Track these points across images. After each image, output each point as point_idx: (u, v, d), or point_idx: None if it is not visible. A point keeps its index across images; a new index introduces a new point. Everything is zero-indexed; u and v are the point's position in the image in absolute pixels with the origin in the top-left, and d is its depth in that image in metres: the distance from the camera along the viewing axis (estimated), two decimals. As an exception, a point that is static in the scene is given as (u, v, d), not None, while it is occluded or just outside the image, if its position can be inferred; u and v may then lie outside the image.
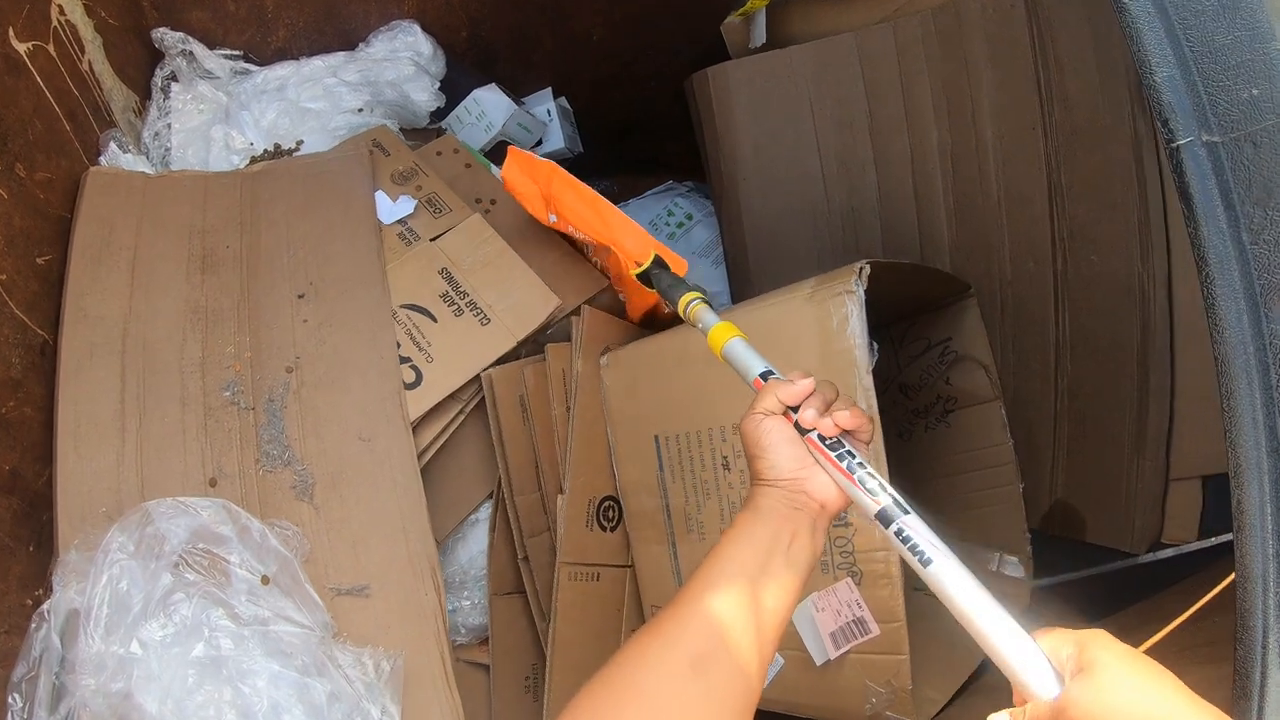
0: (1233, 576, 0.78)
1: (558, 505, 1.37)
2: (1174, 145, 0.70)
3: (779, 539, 0.74)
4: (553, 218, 1.42)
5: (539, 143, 1.88)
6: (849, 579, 1.14)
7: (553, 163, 1.41)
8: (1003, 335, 1.59)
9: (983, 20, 1.50)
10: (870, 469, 0.76)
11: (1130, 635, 1.08)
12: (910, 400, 1.62)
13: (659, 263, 1.15)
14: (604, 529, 1.41)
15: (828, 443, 0.78)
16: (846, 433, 0.78)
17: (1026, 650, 0.63)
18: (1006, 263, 1.57)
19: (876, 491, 0.74)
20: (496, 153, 1.83)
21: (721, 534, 0.75)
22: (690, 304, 0.95)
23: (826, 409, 0.79)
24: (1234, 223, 0.71)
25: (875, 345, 1.11)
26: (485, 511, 1.49)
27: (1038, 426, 1.57)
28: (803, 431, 0.79)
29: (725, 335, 0.89)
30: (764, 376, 0.84)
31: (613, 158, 2.11)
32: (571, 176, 1.39)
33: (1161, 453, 1.44)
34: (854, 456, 0.76)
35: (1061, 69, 1.44)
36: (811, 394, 0.79)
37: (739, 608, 0.69)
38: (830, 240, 1.68)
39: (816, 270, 1.15)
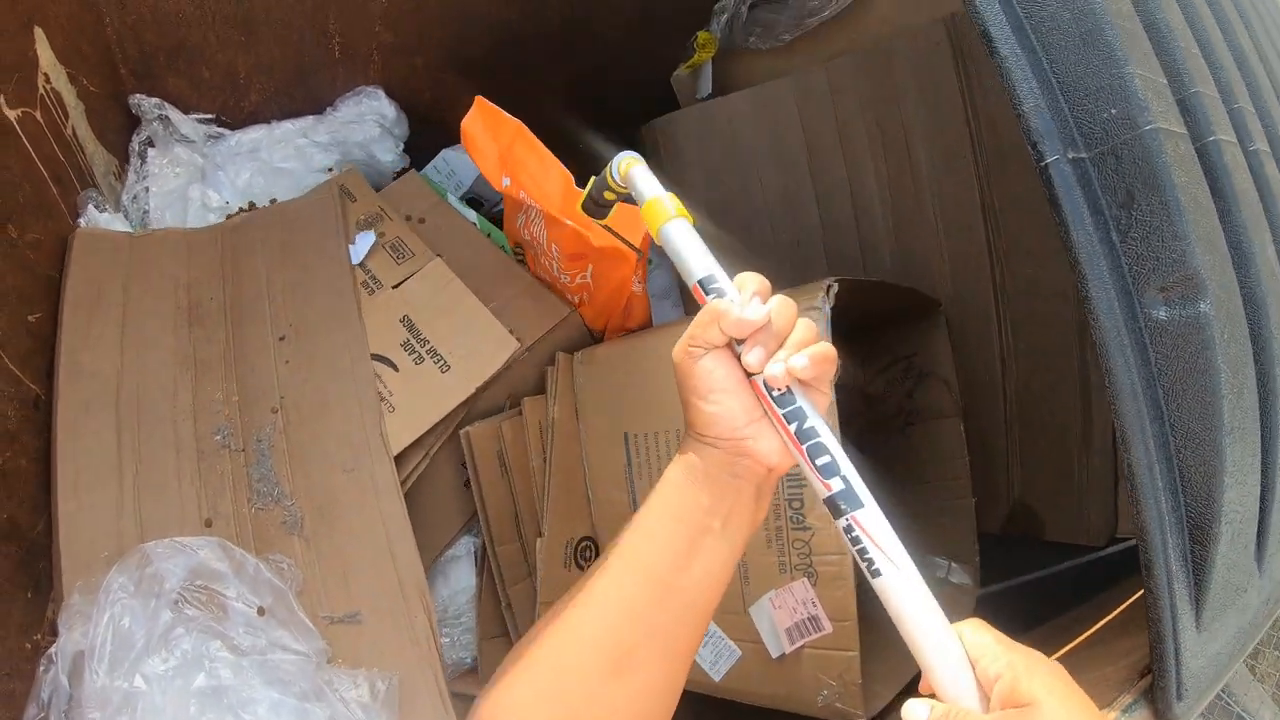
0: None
1: (536, 548, 1.47)
2: (1042, 164, 0.84)
3: (714, 513, 0.67)
4: (506, 181, 1.46)
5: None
6: (805, 579, 1.25)
7: (520, 123, 1.42)
8: (950, 348, 1.72)
9: (911, 55, 1.68)
10: (827, 438, 0.67)
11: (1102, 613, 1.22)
12: (872, 410, 1.77)
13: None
14: (581, 568, 1.49)
15: (775, 395, 0.67)
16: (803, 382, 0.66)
17: (951, 658, 0.63)
18: (948, 280, 1.73)
19: (830, 470, 0.67)
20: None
21: (648, 495, 0.69)
22: (623, 162, 0.85)
23: (780, 345, 0.67)
24: (1102, 226, 0.84)
25: (840, 362, 1.26)
26: (464, 547, 1.59)
27: (991, 433, 1.71)
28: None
29: (664, 214, 0.77)
30: (704, 286, 0.72)
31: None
32: (537, 141, 1.41)
33: (1109, 449, 1.56)
34: (806, 418, 0.67)
35: (986, 95, 1.60)
36: (764, 326, 0.66)
37: (666, 594, 0.65)
38: (779, 272, 1.83)
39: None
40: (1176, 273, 0.85)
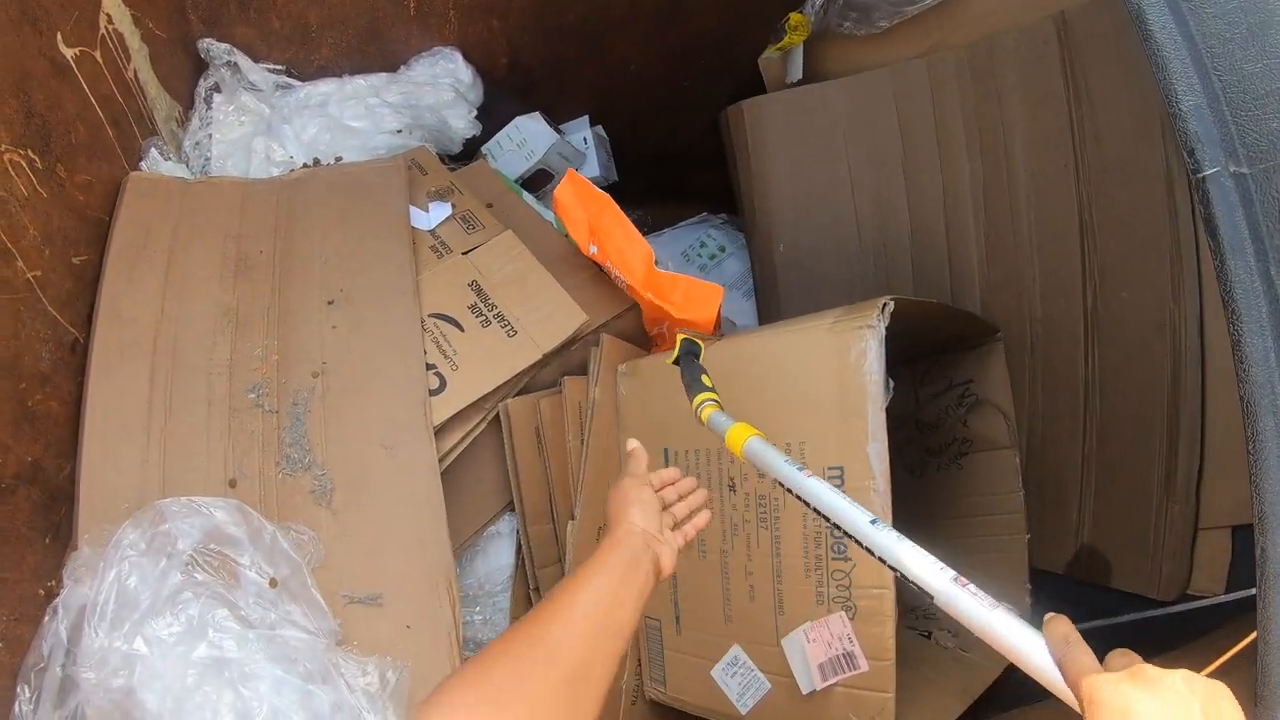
0: (1254, 635, 0.73)
1: (568, 531, 1.34)
2: (1200, 176, 0.67)
3: (634, 577, 0.82)
4: (593, 249, 1.39)
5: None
6: (843, 612, 1.10)
7: (607, 196, 1.38)
8: (1030, 374, 1.54)
9: (1016, 56, 1.48)
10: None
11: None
12: (925, 438, 1.57)
13: (688, 348, 1.11)
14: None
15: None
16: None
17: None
18: (1036, 300, 1.52)
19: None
20: (535, 180, 1.81)
21: (588, 562, 0.81)
22: (701, 406, 0.96)
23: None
24: (1262, 256, 0.67)
25: (891, 383, 1.07)
26: (505, 525, 1.46)
27: (1065, 469, 1.51)
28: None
29: (743, 436, 0.89)
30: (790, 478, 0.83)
31: (647, 186, 2.09)
32: (623, 215, 1.37)
33: (1191, 499, 1.37)
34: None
35: (1094, 105, 1.41)
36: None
37: (606, 635, 0.76)
38: (861, 278, 1.65)
39: (846, 305, 1.12)
40: None
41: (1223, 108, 0.68)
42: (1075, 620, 1.55)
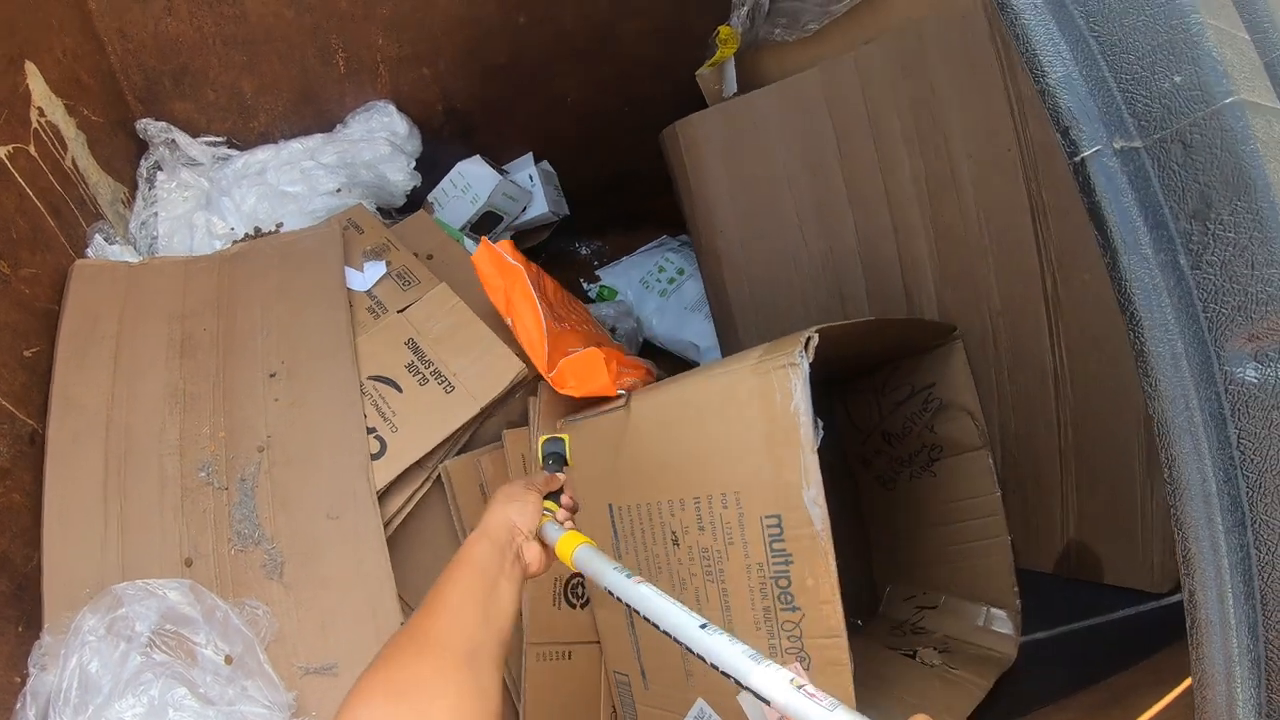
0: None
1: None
2: (1078, 159, 0.55)
3: (503, 564, 0.81)
4: (509, 321, 1.30)
5: (524, 210, 1.76)
6: (797, 663, 0.98)
7: (519, 270, 1.29)
8: (996, 368, 1.41)
9: (945, 39, 1.34)
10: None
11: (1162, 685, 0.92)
12: (894, 448, 1.45)
13: (550, 449, 1.06)
14: (573, 606, 1.30)
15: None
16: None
17: None
18: (994, 291, 1.39)
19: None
20: (483, 223, 1.72)
21: (458, 557, 0.79)
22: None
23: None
24: (1165, 244, 0.55)
25: (820, 423, 0.96)
26: None
27: (1044, 463, 1.38)
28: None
29: (572, 544, 0.86)
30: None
31: (602, 216, 1.99)
32: (532, 295, 1.27)
33: None
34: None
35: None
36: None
37: (489, 618, 0.74)
38: (813, 287, 1.52)
39: (802, 319, 1.00)
40: (1274, 314, 0.53)
41: (1103, 72, 0.56)
42: (1067, 622, 1.42)
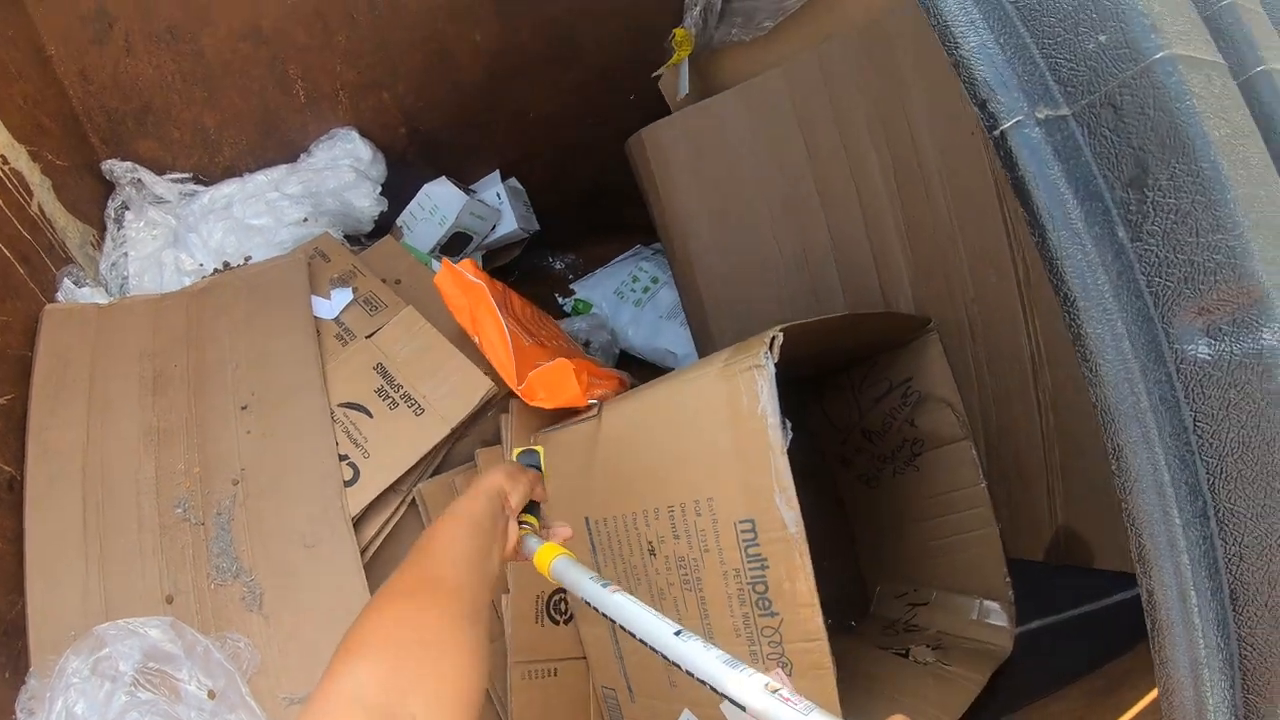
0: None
1: (503, 605, 1.23)
2: (997, 132, 0.50)
3: (496, 532, 0.77)
4: (476, 339, 1.28)
5: (494, 228, 1.72)
6: (779, 669, 0.94)
7: (481, 288, 1.25)
8: (975, 359, 1.36)
9: (911, 29, 1.30)
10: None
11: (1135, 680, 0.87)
12: (875, 445, 1.41)
13: (526, 461, 1.03)
14: (556, 622, 1.26)
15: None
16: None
17: None
18: (967, 279, 1.34)
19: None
20: (453, 244, 1.68)
21: (458, 510, 0.75)
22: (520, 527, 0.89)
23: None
24: (1099, 216, 0.51)
25: (789, 423, 0.91)
26: None
27: (1027, 450, 1.33)
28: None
29: (549, 556, 0.82)
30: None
31: (574, 229, 1.95)
32: (495, 310, 1.23)
33: None
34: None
35: None
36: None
37: (486, 580, 0.71)
38: (788, 288, 1.48)
39: (777, 321, 0.96)
40: (1223, 284, 0.49)
41: (1023, 38, 0.53)
42: (1062, 610, 1.37)
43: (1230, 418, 0.49)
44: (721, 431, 0.96)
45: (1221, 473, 0.50)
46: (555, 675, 1.23)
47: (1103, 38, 0.49)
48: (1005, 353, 1.31)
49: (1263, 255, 0.47)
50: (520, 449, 0.99)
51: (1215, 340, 0.49)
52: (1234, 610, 0.52)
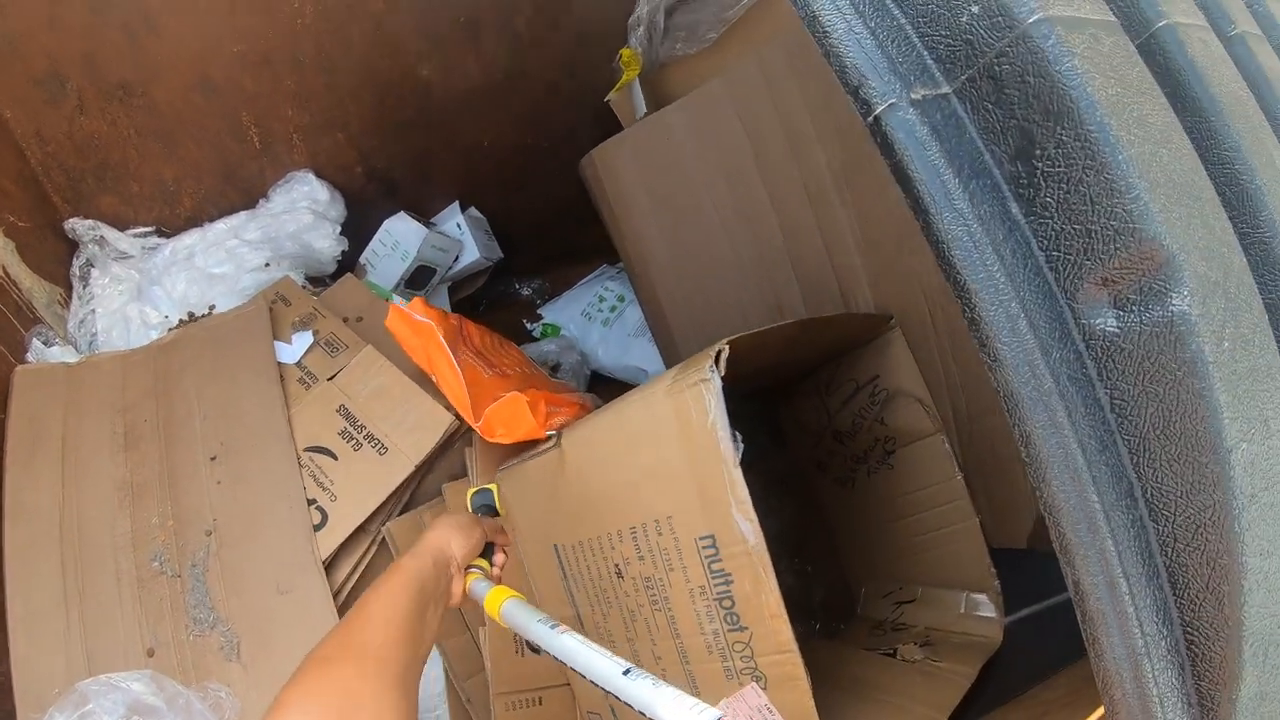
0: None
1: (481, 639, 1.21)
2: (870, 119, 0.47)
3: (436, 592, 0.77)
4: (434, 377, 1.25)
5: (456, 259, 1.69)
6: (754, 684, 0.89)
7: (431, 327, 1.23)
8: (941, 351, 1.32)
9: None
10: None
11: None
12: (847, 447, 1.37)
13: (480, 501, 1.05)
14: (537, 652, 1.22)
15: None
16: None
17: None
18: (925, 269, 1.29)
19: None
20: (417, 278, 1.66)
21: (396, 571, 0.74)
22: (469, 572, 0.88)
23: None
24: (993, 194, 0.48)
25: (739, 436, 0.87)
26: None
27: (1000, 439, 1.28)
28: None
29: (499, 599, 0.82)
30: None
31: (539, 254, 1.92)
32: (445, 350, 1.20)
33: None
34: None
35: None
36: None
37: (417, 643, 0.69)
38: (748, 295, 1.44)
39: (741, 329, 0.92)
40: (1124, 250, 0.46)
41: (897, 19, 0.50)
42: (1045, 597, 1.32)
43: (1147, 392, 0.45)
44: (674, 448, 0.92)
45: (1145, 451, 0.46)
46: (540, 704, 1.19)
47: (975, 8, 0.45)
48: (971, 343, 1.26)
49: (1164, 216, 0.43)
50: (475, 489, 1.00)
51: (1123, 311, 0.45)
52: (1174, 595, 0.48)
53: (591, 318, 1.80)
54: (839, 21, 0.47)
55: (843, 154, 1.32)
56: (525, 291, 1.98)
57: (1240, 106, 0.55)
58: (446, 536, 0.83)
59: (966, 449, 1.31)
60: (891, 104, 0.47)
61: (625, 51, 1.43)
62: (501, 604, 0.79)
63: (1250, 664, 0.48)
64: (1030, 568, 1.29)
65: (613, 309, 1.79)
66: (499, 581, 0.88)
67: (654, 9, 1.37)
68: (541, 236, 1.85)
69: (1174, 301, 0.43)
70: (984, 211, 0.46)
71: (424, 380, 1.26)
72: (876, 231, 1.33)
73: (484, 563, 0.89)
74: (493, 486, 1.01)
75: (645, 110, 1.45)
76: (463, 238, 1.67)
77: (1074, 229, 0.45)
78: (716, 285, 1.46)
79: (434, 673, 1.26)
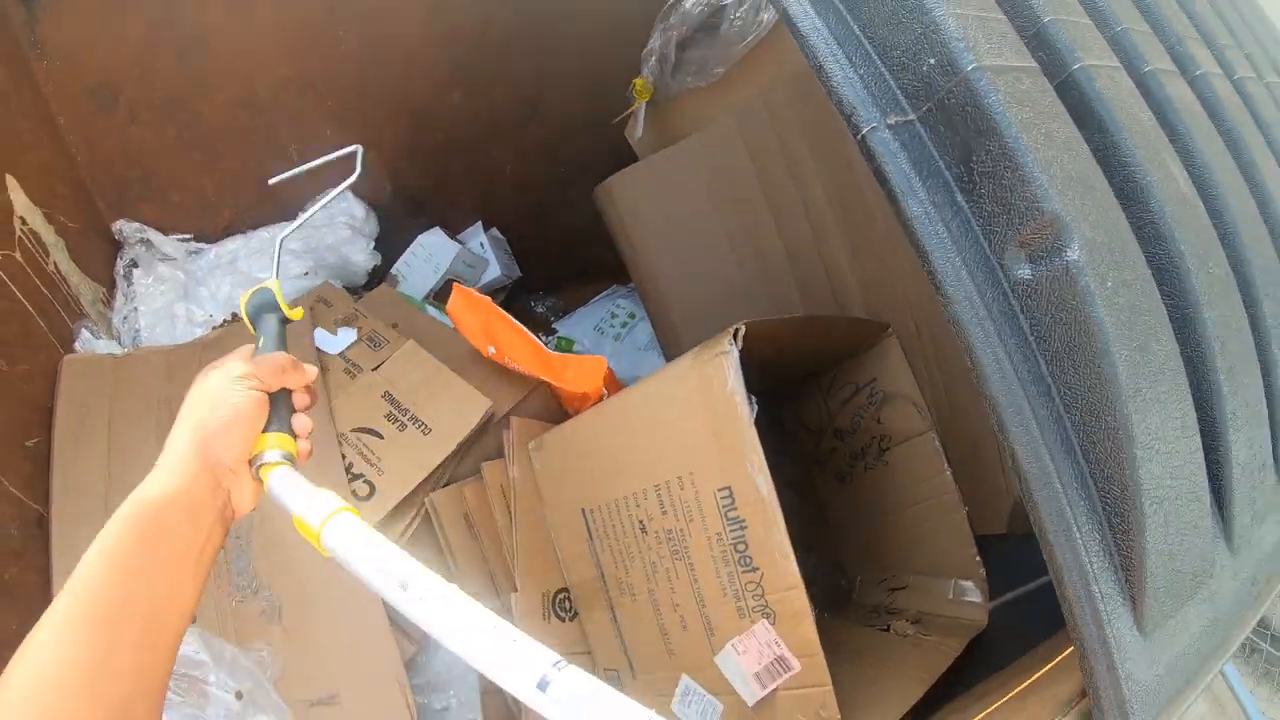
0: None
1: (512, 602, 1.43)
2: (859, 137, 0.74)
3: (193, 539, 0.66)
4: (491, 349, 1.53)
5: (480, 275, 1.99)
6: (764, 620, 1.16)
7: (489, 299, 1.52)
8: (925, 357, 1.62)
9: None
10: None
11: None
12: (846, 444, 1.66)
13: (257, 301, 0.90)
14: (562, 619, 1.47)
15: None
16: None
17: None
18: (909, 285, 1.61)
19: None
20: (445, 292, 1.94)
21: (123, 529, 0.65)
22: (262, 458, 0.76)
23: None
24: (944, 189, 0.74)
25: (754, 399, 1.15)
26: None
27: (979, 432, 1.57)
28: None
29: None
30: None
31: (554, 273, 2.22)
32: (506, 315, 1.51)
33: None
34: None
35: None
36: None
37: (155, 642, 0.61)
38: (753, 310, 1.75)
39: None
40: (1033, 220, 0.73)
41: (879, 68, 0.76)
42: (1026, 580, 1.57)
43: (1056, 318, 0.73)
44: (697, 413, 1.20)
45: (1056, 362, 0.73)
46: (563, 670, 1.41)
47: (932, 60, 0.74)
48: (948, 347, 1.57)
49: (1060, 198, 0.71)
50: (251, 291, 0.87)
51: (1035, 263, 0.73)
52: (1088, 465, 0.75)
53: (604, 332, 2.10)
54: (838, 69, 0.76)
55: (838, 185, 1.65)
56: (540, 309, 2.28)
57: (1138, 124, 0.84)
58: (200, 447, 0.68)
59: (949, 444, 1.59)
60: (873, 127, 0.75)
61: (638, 81, 1.76)
62: (267, 477, 0.72)
63: (1151, 517, 0.73)
64: (1014, 552, 1.52)
65: (624, 324, 2.09)
66: (309, 457, 0.77)
67: (666, 42, 1.70)
68: (557, 257, 2.16)
69: (1068, 254, 0.71)
70: (938, 199, 0.72)
71: (465, 370, 1.53)
72: (868, 253, 1.65)
73: (284, 441, 0.76)
74: (273, 284, 0.87)
75: (641, 133, 1.77)
76: (486, 255, 1.96)
77: (999, 209, 0.73)
78: (724, 302, 1.77)
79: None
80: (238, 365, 0.74)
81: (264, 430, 0.76)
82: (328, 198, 1.00)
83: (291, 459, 0.76)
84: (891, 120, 0.75)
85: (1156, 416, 0.74)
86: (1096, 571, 0.73)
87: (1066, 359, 0.73)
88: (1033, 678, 1.02)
